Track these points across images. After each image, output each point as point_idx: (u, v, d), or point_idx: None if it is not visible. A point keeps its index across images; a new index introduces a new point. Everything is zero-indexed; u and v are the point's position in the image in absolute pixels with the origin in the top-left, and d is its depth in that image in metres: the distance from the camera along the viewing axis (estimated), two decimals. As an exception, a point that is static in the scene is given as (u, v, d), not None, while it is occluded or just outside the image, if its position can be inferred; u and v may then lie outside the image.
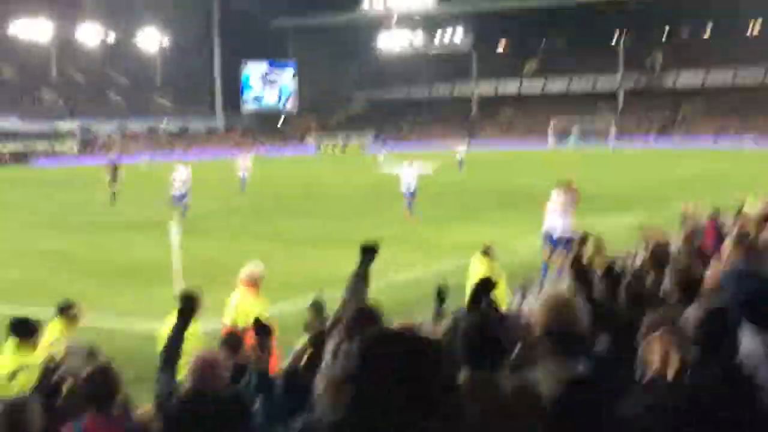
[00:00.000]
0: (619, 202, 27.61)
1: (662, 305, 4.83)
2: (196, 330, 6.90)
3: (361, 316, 4.71)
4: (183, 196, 27.63)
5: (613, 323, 4.70)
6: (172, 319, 5.83)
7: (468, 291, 10.30)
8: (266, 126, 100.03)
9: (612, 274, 6.22)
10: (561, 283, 6.46)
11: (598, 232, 7.95)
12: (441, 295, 6.36)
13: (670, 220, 19.54)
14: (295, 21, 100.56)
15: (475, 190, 34.57)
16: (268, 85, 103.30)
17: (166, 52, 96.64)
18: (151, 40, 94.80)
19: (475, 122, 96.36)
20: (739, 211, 13.15)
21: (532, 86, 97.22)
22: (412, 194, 26.84)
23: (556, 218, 16.60)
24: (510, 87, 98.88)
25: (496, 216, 25.14)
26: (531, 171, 44.40)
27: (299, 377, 5.22)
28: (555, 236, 16.20)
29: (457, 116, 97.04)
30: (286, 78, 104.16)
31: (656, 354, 3.57)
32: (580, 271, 5.83)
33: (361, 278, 5.82)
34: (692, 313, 3.70)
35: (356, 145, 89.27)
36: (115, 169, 32.74)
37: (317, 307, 7.34)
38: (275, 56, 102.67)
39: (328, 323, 5.76)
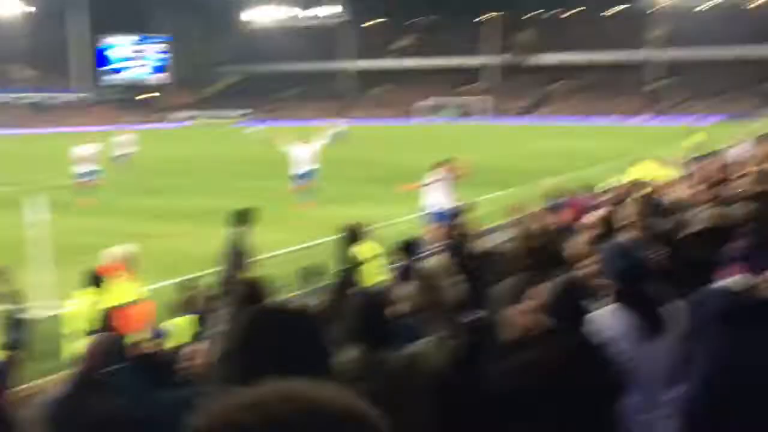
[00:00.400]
0: (493, 178, 28.27)
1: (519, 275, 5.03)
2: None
3: (249, 290, 4.68)
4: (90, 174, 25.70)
5: (484, 292, 4.86)
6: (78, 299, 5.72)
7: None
8: (136, 100, 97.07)
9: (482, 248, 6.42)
10: (434, 259, 6.63)
11: (472, 207, 8.17)
12: (313, 273, 6.46)
13: (537, 194, 20.33)
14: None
15: (354, 166, 34.62)
16: (136, 57, 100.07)
17: (26, 21, 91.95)
18: (9, 6, 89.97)
19: (349, 98, 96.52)
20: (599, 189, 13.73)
21: (407, 63, 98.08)
22: (307, 176, 23.22)
23: (438, 194, 16.99)
24: (385, 63, 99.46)
25: (377, 192, 25.28)
26: (407, 146, 44.92)
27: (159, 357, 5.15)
28: (438, 211, 16.57)
29: (330, 91, 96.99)
30: (157, 51, 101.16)
31: (514, 320, 3.72)
32: (456, 244, 5.99)
33: (238, 247, 5.73)
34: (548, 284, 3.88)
35: (230, 119, 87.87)
36: None
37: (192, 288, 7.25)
38: (145, 28, 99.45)
39: (211, 295, 5.68)
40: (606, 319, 3.87)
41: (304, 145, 23.73)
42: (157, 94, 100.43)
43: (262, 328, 2.13)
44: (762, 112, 69.56)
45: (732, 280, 4.26)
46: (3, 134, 64.42)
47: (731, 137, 26.83)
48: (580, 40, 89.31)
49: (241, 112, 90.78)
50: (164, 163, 36.87)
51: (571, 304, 3.67)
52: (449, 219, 16.63)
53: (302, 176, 23.22)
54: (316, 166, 23.41)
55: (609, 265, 4.19)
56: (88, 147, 26.36)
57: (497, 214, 16.07)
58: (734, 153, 18.94)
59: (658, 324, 3.99)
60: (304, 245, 16.06)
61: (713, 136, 31.97)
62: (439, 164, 17.56)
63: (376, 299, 3.77)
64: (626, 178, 18.11)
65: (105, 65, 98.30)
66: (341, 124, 51.14)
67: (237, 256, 5.44)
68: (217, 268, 7.22)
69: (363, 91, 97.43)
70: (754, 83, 78.91)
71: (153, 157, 38.12)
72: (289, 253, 15.18)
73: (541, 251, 5.22)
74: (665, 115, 76.33)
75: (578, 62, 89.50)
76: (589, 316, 3.81)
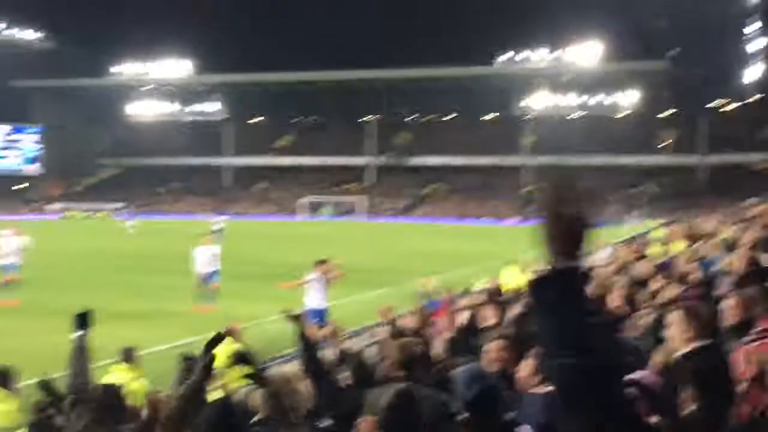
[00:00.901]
0: (366, 277, 28.55)
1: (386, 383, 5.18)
2: None
3: (106, 396, 4.64)
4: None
5: (338, 401, 4.97)
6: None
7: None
8: (6, 190, 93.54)
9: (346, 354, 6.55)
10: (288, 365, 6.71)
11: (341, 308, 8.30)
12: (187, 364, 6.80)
13: (410, 294, 20.70)
14: (38, 82, 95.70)
15: (235, 262, 34.23)
16: (9, 147, 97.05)
17: None
18: None
19: (229, 193, 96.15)
20: (467, 290, 14.17)
21: (287, 160, 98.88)
22: (209, 277, 22.47)
23: (314, 294, 17.26)
24: (264, 160, 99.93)
25: (253, 289, 25.09)
26: (287, 244, 44.94)
27: None
28: (314, 310, 16.75)
29: (211, 187, 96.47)
30: (30, 141, 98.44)
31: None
32: (311, 346, 6.08)
33: (81, 351, 5.48)
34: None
35: (105, 212, 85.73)
36: None
37: (46, 387, 7.03)
38: (17, 118, 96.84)
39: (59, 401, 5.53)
40: None
41: (205, 246, 23.27)
42: (26, 185, 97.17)
43: None
44: (625, 218, 73.47)
45: None
46: None
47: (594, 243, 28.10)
48: (457, 144, 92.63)
49: (116, 205, 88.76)
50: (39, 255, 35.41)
51: (408, 416, 3.74)
52: (322, 319, 16.81)
53: (207, 278, 22.43)
54: (217, 267, 22.81)
55: (463, 391, 3.87)
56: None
57: (368, 315, 16.31)
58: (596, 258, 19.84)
59: None
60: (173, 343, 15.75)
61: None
62: (315, 263, 17.79)
63: (229, 408, 3.82)
64: (496, 280, 18.78)
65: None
66: (219, 220, 50.86)
67: (83, 361, 5.25)
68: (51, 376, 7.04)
69: (244, 187, 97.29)
70: (618, 190, 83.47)
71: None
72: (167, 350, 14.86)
73: (413, 359, 5.28)
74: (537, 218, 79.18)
75: (454, 165, 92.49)
76: None
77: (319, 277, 17.54)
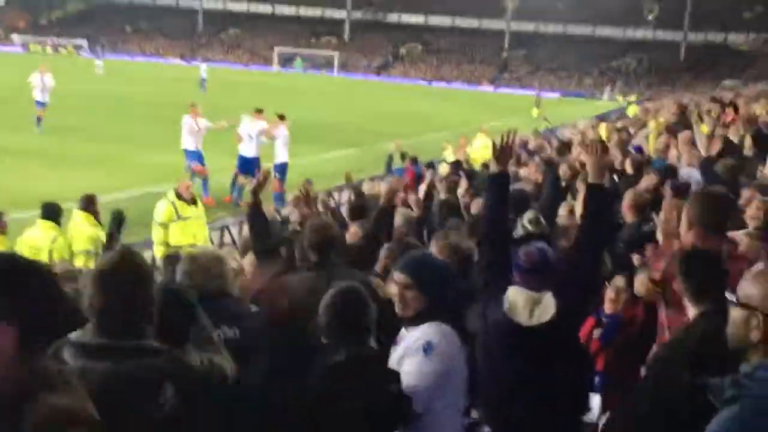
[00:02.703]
0: (337, 136, 28.09)
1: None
2: None
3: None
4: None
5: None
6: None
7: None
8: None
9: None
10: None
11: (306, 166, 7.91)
12: (117, 221, 6.90)
13: (377, 157, 20.36)
14: None
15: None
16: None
17: None
18: None
19: (202, 38, 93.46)
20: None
21: (261, 7, 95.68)
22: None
23: (282, 147, 16.75)
24: (238, 6, 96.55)
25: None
26: (258, 95, 43.93)
27: None
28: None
29: (180, 29, 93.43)
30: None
31: None
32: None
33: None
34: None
35: (70, 48, 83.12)
36: None
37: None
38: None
39: None
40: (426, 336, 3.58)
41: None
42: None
43: None
44: (602, 92, 73.07)
45: None
46: None
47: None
48: (438, 3, 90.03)
49: (80, 41, 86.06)
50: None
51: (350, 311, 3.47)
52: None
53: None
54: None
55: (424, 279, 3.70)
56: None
57: (335, 176, 15.95)
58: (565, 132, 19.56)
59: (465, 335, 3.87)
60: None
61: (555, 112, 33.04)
62: (279, 117, 17.22)
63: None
64: (471, 145, 18.46)
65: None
66: (201, 67, 49.56)
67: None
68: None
69: (215, 32, 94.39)
70: (598, 62, 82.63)
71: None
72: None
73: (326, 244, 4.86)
74: (512, 85, 78.50)
75: (433, 24, 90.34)
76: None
77: (283, 130, 16.98)
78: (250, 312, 4.15)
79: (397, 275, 3.68)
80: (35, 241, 8.15)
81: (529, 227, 5.87)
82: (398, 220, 6.58)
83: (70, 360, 2.68)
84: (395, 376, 3.38)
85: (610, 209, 6.07)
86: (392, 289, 3.73)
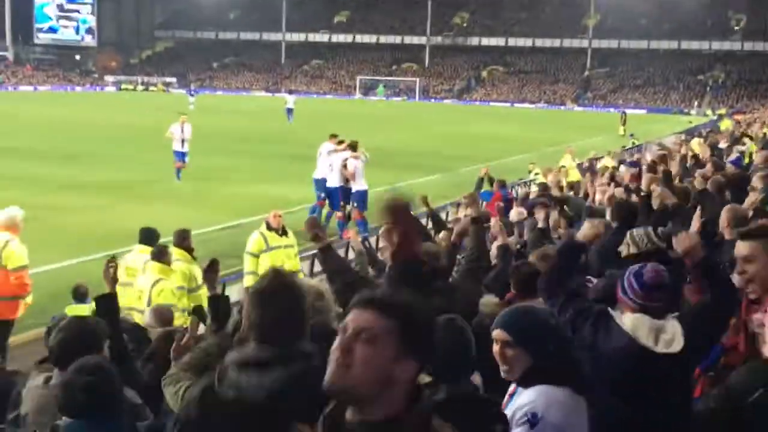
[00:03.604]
0: (417, 161, 28.03)
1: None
2: None
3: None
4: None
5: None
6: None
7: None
8: (62, 61, 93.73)
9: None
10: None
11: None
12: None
13: (464, 180, 20.22)
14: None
15: (289, 143, 33.92)
16: (64, 17, 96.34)
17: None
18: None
19: (284, 70, 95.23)
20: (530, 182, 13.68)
21: (341, 38, 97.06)
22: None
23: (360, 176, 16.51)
24: (319, 37, 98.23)
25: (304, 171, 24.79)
26: (340, 123, 44.41)
27: None
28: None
29: (264, 63, 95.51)
30: (85, 11, 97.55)
31: None
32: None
33: None
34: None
35: (160, 86, 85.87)
36: None
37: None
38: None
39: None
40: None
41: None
42: (91, 55, 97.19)
43: None
44: (691, 105, 71.33)
45: None
46: None
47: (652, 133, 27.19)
48: (516, 24, 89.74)
49: (170, 79, 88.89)
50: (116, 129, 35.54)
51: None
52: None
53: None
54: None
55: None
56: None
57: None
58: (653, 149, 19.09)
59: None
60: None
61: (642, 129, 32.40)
62: (353, 145, 17.15)
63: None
64: (556, 167, 18.16)
65: (36, 24, 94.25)
66: (289, 98, 50.28)
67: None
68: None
69: (298, 64, 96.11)
70: (683, 77, 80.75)
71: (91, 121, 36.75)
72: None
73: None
74: (596, 104, 77.39)
75: (513, 46, 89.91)
76: None
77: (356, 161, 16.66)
78: None
79: (496, 332, 3.28)
80: (132, 263, 8.38)
81: (644, 242, 5.46)
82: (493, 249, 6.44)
83: (239, 376, 2.78)
84: (502, 417, 3.09)
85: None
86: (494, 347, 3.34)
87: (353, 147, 16.53)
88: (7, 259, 8.01)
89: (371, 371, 1.88)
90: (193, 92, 62.72)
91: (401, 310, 1.97)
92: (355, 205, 15.82)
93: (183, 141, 22.72)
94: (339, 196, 15.77)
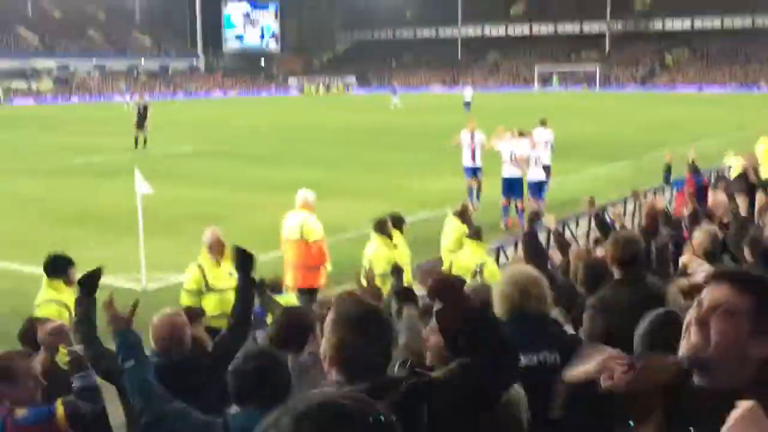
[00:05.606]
0: (599, 151, 27.36)
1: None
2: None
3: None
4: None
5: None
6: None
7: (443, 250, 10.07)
8: (248, 67, 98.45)
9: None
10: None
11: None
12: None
13: (651, 168, 19.52)
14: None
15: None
16: (249, 24, 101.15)
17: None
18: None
19: (461, 65, 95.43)
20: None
21: (518, 29, 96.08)
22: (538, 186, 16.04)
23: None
24: (495, 30, 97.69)
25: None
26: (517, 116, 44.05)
27: None
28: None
29: (441, 59, 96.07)
30: (269, 18, 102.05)
31: None
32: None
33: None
34: None
35: (341, 86, 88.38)
36: (143, 111, 29.45)
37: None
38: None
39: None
40: None
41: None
42: (274, 59, 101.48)
43: None
44: None
45: None
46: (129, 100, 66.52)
47: None
48: (702, 4, 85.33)
49: (350, 79, 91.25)
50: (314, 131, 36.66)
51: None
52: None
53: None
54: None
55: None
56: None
57: (604, 191, 15.52)
58: None
59: None
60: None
61: None
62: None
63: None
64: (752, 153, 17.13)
65: (225, 35, 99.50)
66: (466, 91, 50.76)
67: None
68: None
69: (472, 59, 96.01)
70: None
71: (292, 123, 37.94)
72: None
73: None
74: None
75: (699, 28, 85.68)
76: None
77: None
78: (570, 336, 4.02)
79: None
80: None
81: None
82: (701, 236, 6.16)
83: None
84: None
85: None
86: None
87: (521, 134, 16.62)
88: (307, 233, 9.30)
89: (726, 345, 1.89)
90: (395, 90, 59.62)
91: (758, 286, 1.94)
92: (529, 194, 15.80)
93: (474, 152, 17.17)
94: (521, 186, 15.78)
